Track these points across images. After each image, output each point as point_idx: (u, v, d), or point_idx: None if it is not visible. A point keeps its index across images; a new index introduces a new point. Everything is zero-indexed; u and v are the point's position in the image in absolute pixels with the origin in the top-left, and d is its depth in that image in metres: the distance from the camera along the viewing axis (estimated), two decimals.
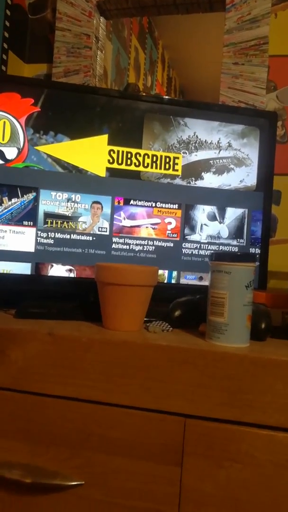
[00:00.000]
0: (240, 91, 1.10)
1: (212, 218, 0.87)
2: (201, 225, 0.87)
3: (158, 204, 0.85)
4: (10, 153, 0.81)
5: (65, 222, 0.83)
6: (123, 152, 0.84)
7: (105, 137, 0.84)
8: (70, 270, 0.83)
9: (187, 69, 2.62)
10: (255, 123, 0.88)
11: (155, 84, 2.30)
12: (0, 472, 0.62)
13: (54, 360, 0.63)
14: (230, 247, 0.88)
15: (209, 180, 0.87)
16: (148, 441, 0.60)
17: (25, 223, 0.82)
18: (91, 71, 1.19)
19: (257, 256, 0.88)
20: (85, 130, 0.83)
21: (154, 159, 0.85)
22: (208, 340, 0.65)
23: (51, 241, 0.83)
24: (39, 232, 0.82)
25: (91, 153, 0.83)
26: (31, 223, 0.82)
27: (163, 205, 0.86)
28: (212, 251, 0.85)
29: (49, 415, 0.63)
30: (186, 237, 0.87)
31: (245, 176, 0.88)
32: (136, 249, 0.85)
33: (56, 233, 0.83)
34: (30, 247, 0.82)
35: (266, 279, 0.89)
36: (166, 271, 0.86)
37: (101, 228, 0.84)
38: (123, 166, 0.84)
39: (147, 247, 0.85)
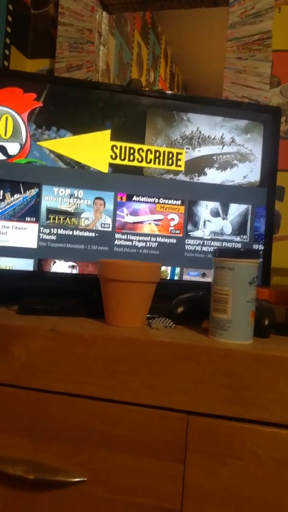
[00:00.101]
0: (244, 86, 1.10)
1: (215, 214, 0.87)
2: (204, 221, 0.86)
3: (161, 200, 0.85)
4: (12, 148, 0.81)
5: (67, 218, 0.83)
6: (125, 147, 0.83)
7: (107, 133, 0.83)
8: (73, 267, 0.83)
9: (190, 65, 2.61)
10: (258, 118, 0.88)
11: (158, 79, 2.29)
12: (3, 468, 0.62)
13: (57, 357, 0.63)
14: (234, 243, 0.87)
15: (212, 176, 0.86)
16: (151, 438, 0.60)
17: (28, 219, 0.82)
18: (94, 66, 1.18)
19: (261, 252, 0.88)
20: (87, 126, 0.82)
21: (157, 155, 0.84)
22: (211, 337, 0.64)
23: (54, 237, 0.82)
24: (41, 228, 0.82)
25: (94, 148, 0.83)
26: (34, 219, 0.82)
27: (166, 201, 0.85)
28: (215, 248, 0.85)
29: (51, 411, 0.63)
30: (189, 233, 0.86)
31: (248, 172, 0.87)
32: (139, 246, 0.85)
33: (59, 229, 0.82)
34: (32, 243, 0.82)
35: (270, 275, 0.88)
36: (169, 268, 0.86)
37: (104, 224, 0.83)
38: (125, 162, 0.83)
39: (150, 244, 0.85)
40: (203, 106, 0.86)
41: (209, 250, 0.87)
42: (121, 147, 0.83)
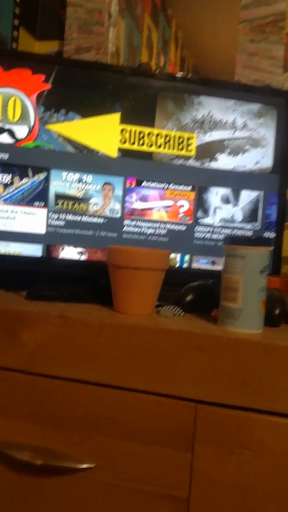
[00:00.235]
0: (256, 69, 1.07)
1: (226, 201, 0.85)
2: (215, 208, 0.85)
3: (171, 186, 0.83)
4: (21, 132, 0.80)
5: (76, 204, 0.82)
6: (135, 131, 0.82)
7: (117, 116, 0.81)
8: (81, 253, 0.82)
9: (201, 49, 2.55)
10: (271, 102, 0.85)
11: (168, 64, 2.25)
12: (11, 453, 0.63)
13: (65, 343, 0.62)
14: (244, 231, 0.86)
15: (224, 162, 0.84)
16: (159, 426, 0.60)
17: (36, 204, 0.81)
18: (103, 49, 1.16)
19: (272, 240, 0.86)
20: (97, 108, 0.81)
21: (167, 139, 0.83)
22: (220, 326, 0.63)
23: (62, 223, 0.82)
24: (50, 213, 0.81)
25: (103, 132, 0.81)
26: (42, 204, 0.81)
27: (176, 187, 0.84)
28: (226, 235, 0.83)
29: (59, 398, 0.63)
30: (199, 220, 0.85)
31: (260, 158, 0.85)
32: (148, 232, 0.83)
33: (67, 215, 0.81)
34: (41, 228, 0.81)
35: (280, 264, 0.87)
36: (178, 255, 0.85)
37: (113, 210, 0.82)
38: (135, 147, 0.82)
39: (159, 230, 0.84)
40: (215, 89, 0.84)
41: (219, 237, 0.85)
42: (130, 131, 0.81)
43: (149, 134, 0.82)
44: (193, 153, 0.83)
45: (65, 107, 0.80)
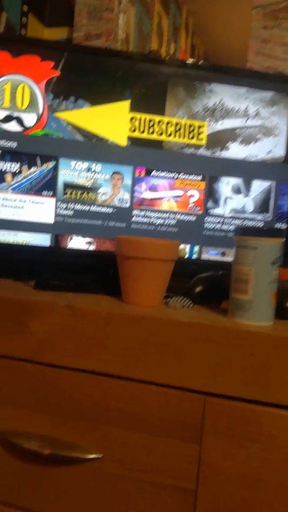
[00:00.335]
0: (269, 56, 1.04)
1: (237, 191, 0.84)
2: (225, 198, 0.83)
3: (181, 176, 0.82)
4: (29, 119, 0.79)
5: (84, 193, 0.81)
6: (145, 119, 0.80)
7: (127, 103, 0.80)
8: (90, 243, 0.82)
9: (212, 37, 2.51)
10: (285, 89, 0.83)
11: (178, 51, 2.21)
12: (19, 442, 0.63)
13: (73, 333, 0.62)
14: (255, 221, 0.84)
15: (235, 151, 0.83)
16: (167, 418, 0.59)
17: (45, 193, 0.80)
18: (113, 35, 1.14)
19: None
20: (106, 96, 0.79)
21: (178, 127, 0.81)
22: (230, 318, 0.62)
23: (71, 213, 0.81)
24: (58, 203, 0.80)
25: (112, 120, 0.80)
26: (51, 193, 0.80)
27: (186, 177, 0.82)
28: (237, 226, 0.82)
29: (67, 388, 0.63)
30: (209, 210, 0.83)
31: (273, 147, 0.84)
32: (157, 222, 0.82)
33: (76, 204, 0.81)
34: (49, 218, 0.80)
35: None
36: (188, 246, 0.84)
37: (122, 200, 0.81)
38: (145, 135, 0.80)
39: (168, 220, 0.83)
40: (226, 76, 0.82)
41: (230, 228, 0.84)
42: (140, 119, 0.80)
43: (159, 122, 0.80)
44: (204, 141, 0.82)
45: (74, 94, 0.79)
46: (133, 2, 1.48)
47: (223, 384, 0.57)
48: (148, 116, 0.80)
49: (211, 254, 0.84)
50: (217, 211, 0.84)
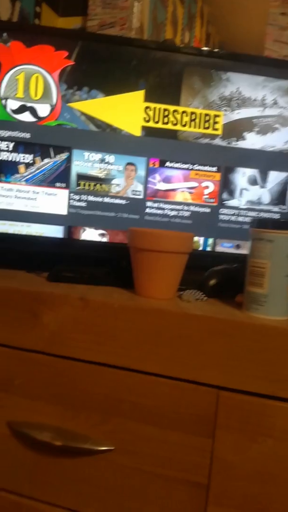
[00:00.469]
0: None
1: (253, 182, 0.82)
2: (241, 190, 0.82)
3: (196, 167, 0.81)
4: (43, 110, 0.78)
5: (98, 184, 0.80)
6: (160, 109, 0.79)
7: (141, 93, 0.79)
8: (103, 235, 0.81)
9: (228, 25, 2.46)
10: None
11: (193, 40, 2.18)
12: (32, 433, 0.63)
13: (86, 326, 0.62)
14: (271, 213, 0.83)
15: (252, 141, 0.81)
16: (179, 411, 0.59)
17: (58, 184, 0.79)
18: (127, 24, 1.12)
19: None
20: (120, 85, 0.78)
21: (193, 117, 0.80)
22: (245, 312, 0.61)
23: (84, 204, 0.80)
24: (71, 194, 0.80)
25: (126, 110, 0.78)
26: (64, 184, 0.80)
27: (201, 168, 0.81)
28: (253, 218, 0.81)
29: (79, 380, 0.63)
30: (224, 202, 0.82)
31: None
32: (171, 214, 0.81)
33: (89, 196, 0.80)
34: (62, 209, 0.80)
35: None
36: (202, 238, 0.82)
37: (135, 191, 0.80)
38: (159, 125, 0.79)
39: (182, 212, 0.82)
40: (243, 65, 0.80)
41: (245, 220, 0.83)
42: (155, 108, 0.79)
43: (174, 112, 0.79)
44: (219, 131, 0.80)
45: (88, 84, 0.78)
46: None
47: (237, 378, 0.56)
48: (163, 106, 0.79)
49: (225, 247, 0.83)
50: (232, 202, 0.82)
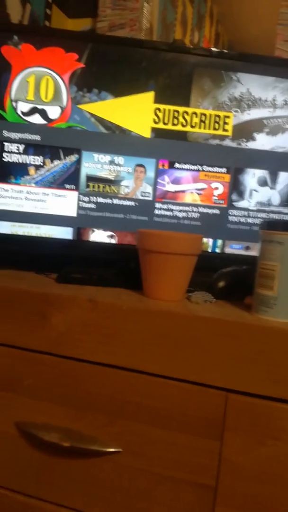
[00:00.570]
0: None
1: (263, 183, 0.81)
2: (251, 191, 0.82)
3: (205, 168, 0.80)
4: (53, 112, 0.78)
5: (107, 186, 0.80)
6: (169, 110, 0.79)
7: (151, 95, 0.79)
8: (112, 236, 0.81)
9: (237, 24, 2.45)
10: None
11: (202, 40, 2.17)
12: (39, 434, 0.63)
13: (94, 327, 0.62)
14: (282, 215, 0.82)
15: (262, 142, 0.80)
16: (187, 413, 0.59)
17: (67, 186, 0.80)
18: (137, 25, 1.12)
19: None
20: (130, 87, 0.78)
21: (203, 118, 0.79)
22: (254, 314, 0.61)
23: (93, 206, 0.80)
24: (81, 196, 0.80)
25: (136, 112, 0.78)
26: (73, 186, 0.80)
27: (211, 169, 0.81)
28: (262, 219, 0.80)
29: (87, 381, 0.63)
30: (234, 203, 0.82)
31: None
32: (180, 216, 0.81)
33: (98, 198, 0.80)
34: (72, 211, 0.80)
35: None
36: (211, 240, 0.82)
37: (144, 193, 0.80)
38: (169, 126, 0.79)
39: (191, 214, 0.81)
40: (254, 65, 0.79)
41: (254, 222, 0.82)
42: (164, 110, 0.79)
43: (184, 113, 0.79)
44: (229, 132, 0.80)
45: (98, 86, 0.78)
46: None
47: (246, 381, 0.56)
48: (172, 107, 0.79)
49: (234, 249, 0.83)
50: (242, 204, 0.82)
